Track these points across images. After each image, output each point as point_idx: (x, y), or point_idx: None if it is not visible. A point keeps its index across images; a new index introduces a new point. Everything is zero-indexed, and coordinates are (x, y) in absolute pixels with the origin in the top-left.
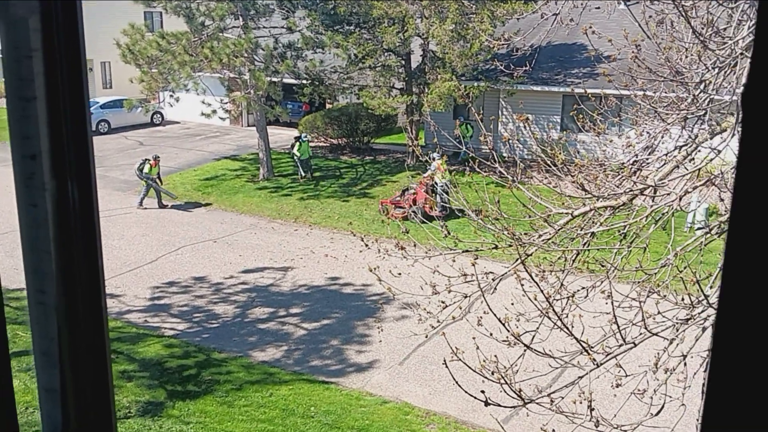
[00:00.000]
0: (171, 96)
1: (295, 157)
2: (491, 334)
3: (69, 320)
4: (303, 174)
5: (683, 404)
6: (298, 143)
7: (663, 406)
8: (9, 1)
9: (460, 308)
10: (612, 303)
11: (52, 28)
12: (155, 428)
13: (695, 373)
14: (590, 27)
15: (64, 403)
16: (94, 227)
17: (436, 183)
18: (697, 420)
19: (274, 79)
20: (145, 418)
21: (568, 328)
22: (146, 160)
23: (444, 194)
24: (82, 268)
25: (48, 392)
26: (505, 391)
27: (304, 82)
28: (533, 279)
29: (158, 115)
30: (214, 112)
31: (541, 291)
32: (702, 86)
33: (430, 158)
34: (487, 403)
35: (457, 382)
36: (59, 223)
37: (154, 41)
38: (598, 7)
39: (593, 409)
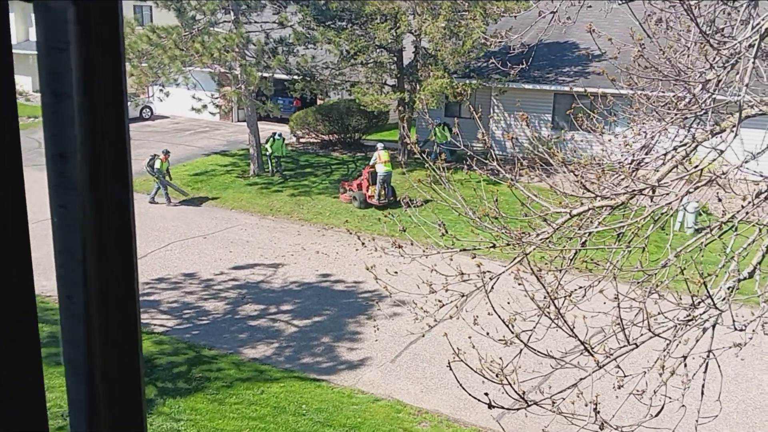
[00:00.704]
0: (161, 90)
1: (267, 153)
2: (488, 333)
3: (101, 330)
4: (273, 171)
5: (683, 405)
6: (272, 139)
7: (663, 407)
8: None
9: (456, 307)
10: (618, 304)
11: (90, 20)
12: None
13: (695, 374)
14: (590, 25)
15: (93, 415)
16: (130, 234)
17: (377, 172)
18: (696, 421)
19: (266, 75)
20: None
21: (570, 328)
22: (156, 155)
23: (384, 183)
24: (115, 275)
25: (77, 404)
26: (506, 392)
27: (296, 77)
28: (536, 276)
29: (147, 110)
30: (205, 107)
31: (544, 288)
32: (703, 85)
33: (376, 147)
34: (490, 406)
35: (461, 385)
36: (92, 226)
37: (145, 35)
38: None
39: (598, 412)
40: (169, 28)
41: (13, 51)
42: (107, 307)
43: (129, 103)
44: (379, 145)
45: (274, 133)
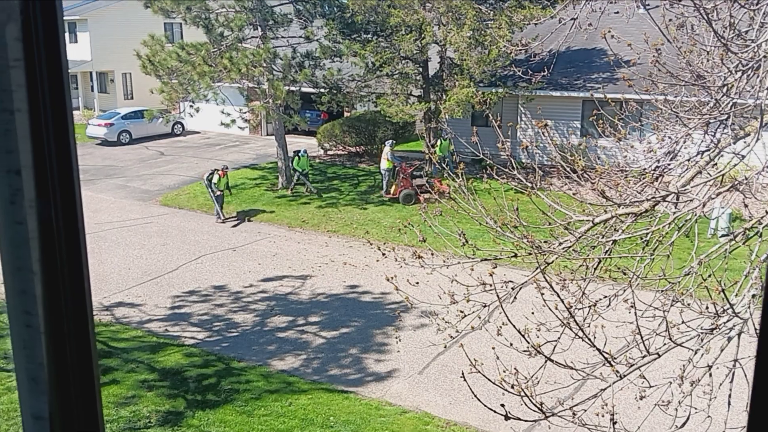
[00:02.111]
0: (191, 106)
1: (297, 172)
2: (511, 344)
3: (57, 344)
4: (312, 190)
5: (709, 416)
6: (297, 157)
7: (688, 418)
8: None
9: (479, 317)
10: (635, 313)
11: (32, 36)
12: None
13: (720, 384)
14: (609, 31)
15: (53, 430)
16: (79, 246)
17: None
18: None
19: (293, 89)
20: (165, 428)
21: (590, 339)
22: (215, 170)
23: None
24: (67, 288)
25: (36, 420)
26: (525, 404)
27: (322, 90)
28: (552, 288)
29: (179, 126)
30: (234, 121)
31: (561, 301)
32: (725, 90)
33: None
34: (507, 417)
35: (475, 395)
36: (44, 241)
37: (174, 52)
38: (617, 12)
39: (615, 423)
40: (198, 45)
41: None
42: (62, 322)
43: (160, 119)
44: (388, 142)
45: (297, 151)
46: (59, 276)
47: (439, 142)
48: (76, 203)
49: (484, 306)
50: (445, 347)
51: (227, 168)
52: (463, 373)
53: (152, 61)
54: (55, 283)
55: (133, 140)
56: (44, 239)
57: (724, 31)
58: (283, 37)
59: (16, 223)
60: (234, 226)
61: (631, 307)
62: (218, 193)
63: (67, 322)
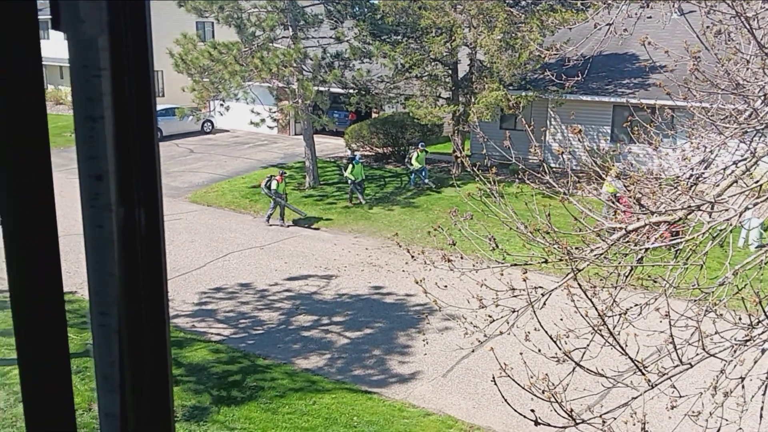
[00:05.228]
0: (221, 105)
1: (349, 180)
2: (539, 350)
3: (131, 344)
4: (363, 200)
5: (740, 428)
6: (351, 165)
7: (719, 430)
8: (79, 22)
9: (507, 322)
10: (669, 322)
11: (121, 48)
12: None
13: (753, 396)
14: (646, 37)
15: (125, 429)
16: (160, 251)
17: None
18: None
19: (322, 89)
20: (191, 423)
21: (622, 347)
22: (272, 176)
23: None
24: (146, 292)
25: (108, 417)
26: (555, 410)
27: (351, 91)
28: (586, 294)
29: (208, 124)
30: (263, 120)
31: (594, 307)
32: (763, 99)
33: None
34: (537, 423)
35: (506, 400)
36: (125, 245)
37: (206, 51)
38: (650, 17)
39: None
40: (230, 44)
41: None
42: (140, 323)
43: (191, 117)
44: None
45: (351, 158)
46: (139, 279)
47: (416, 154)
48: (158, 209)
49: (513, 311)
50: (472, 351)
51: (285, 173)
52: (494, 377)
53: (184, 60)
54: (135, 286)
55: (163, 137)
56: (125, 243)
57: (763, 38)
58: (313, 37)
59: (96, 227)
60: (290, 226)
61: (665, 316)
62: (279, 199)
63: (144, 323)
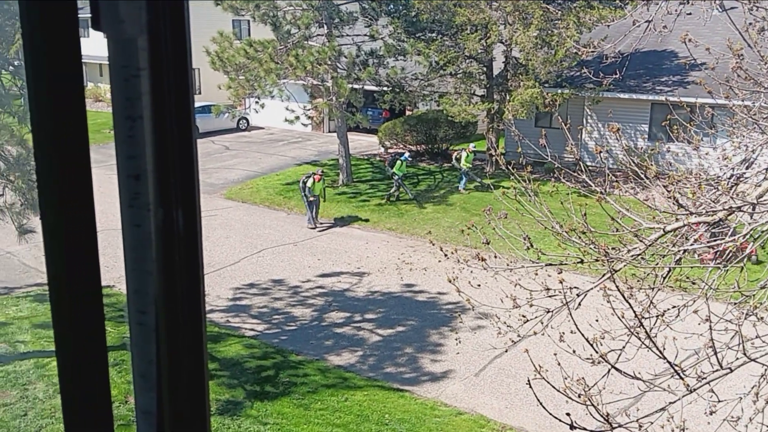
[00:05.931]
0: (256, 102)
1: (395, 177)
2: (574, 351)
3: (169, 343)
4: (411, 195)
5: None
6: (399, 161)
7: None
8: (119, 22)
9: (542, 323)
10: (710, 326)
11: (160, 48)
12: (234, 427)
13: None
14: (687, 35)
15: (161, 426)
16: (197, 251)
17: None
18: None
19: (356, 86)
20: (224, 417)
21: (659, 350)
22: (312, 173)
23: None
24: (184, 291)
25: (145, 414)
26: (590, 413)
27: (385, 89)
28: (623, 296)
29: (244, 121)
30: (297, 118)
31: (631, 308)
32: None
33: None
34: (572, 426)
35: (541, 404)
36: (163, 245)
37: (242, 49)
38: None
39: None
40: (266, 42)
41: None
42: (177, 322)
43: (227, 114)
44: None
45: (399, 154)
46: (176, 278)
47: (465, 155)
48: (195, 209)
49: (548, 311)
50: (506, 351)
51: (323, 172)
52: (528, 381)
53: (221, 58)
54: (172, 285)
55: (200, 134)
56: (163, 242)
57: None
58: (348, 35)
59: (134, 226)
60: (322, 231)
61: (706, 319)
62: (311, 198)
63: (181, 322)
